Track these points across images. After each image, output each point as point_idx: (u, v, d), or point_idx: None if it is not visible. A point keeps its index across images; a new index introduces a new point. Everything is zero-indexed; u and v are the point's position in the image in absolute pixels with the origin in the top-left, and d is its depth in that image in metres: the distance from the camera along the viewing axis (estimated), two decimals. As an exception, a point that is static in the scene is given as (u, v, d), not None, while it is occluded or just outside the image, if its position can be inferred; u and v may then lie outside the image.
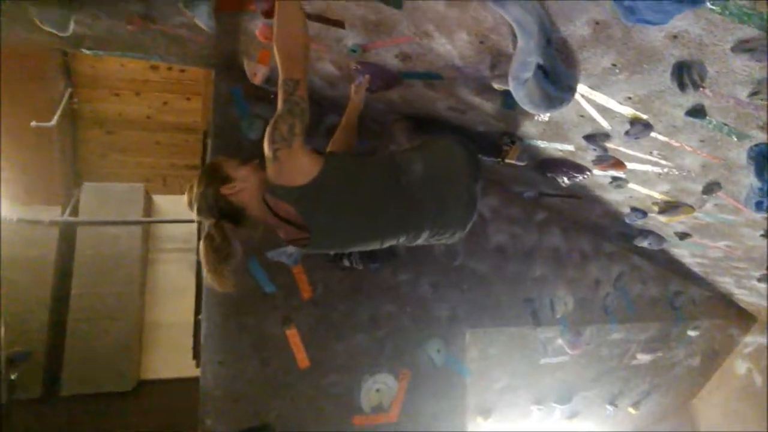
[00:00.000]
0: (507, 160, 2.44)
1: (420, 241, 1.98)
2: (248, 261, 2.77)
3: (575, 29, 1.55)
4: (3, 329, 4.70)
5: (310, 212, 1.69)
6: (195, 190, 1.73)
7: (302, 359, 2.90)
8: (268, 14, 1.98)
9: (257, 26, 2.13)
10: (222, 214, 1.71)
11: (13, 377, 4.59)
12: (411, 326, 3.09)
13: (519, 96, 1.73)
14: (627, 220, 2.90)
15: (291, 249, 2.79)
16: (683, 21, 1.38)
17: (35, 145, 4.48)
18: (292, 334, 2.88)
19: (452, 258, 3.16)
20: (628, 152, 2.19)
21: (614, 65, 1.66)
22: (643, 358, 4.07)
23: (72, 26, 2.21)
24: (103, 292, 5.52)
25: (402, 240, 1.91)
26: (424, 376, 3.11)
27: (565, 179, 2.54)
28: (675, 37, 1.45)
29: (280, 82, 1.62)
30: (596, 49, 1.61)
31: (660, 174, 2.30)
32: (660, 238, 3.07)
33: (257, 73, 2.54)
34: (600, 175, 2.51)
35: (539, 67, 1.63)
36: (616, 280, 3.64)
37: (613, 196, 2.77)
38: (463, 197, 1.96)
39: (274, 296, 2.84)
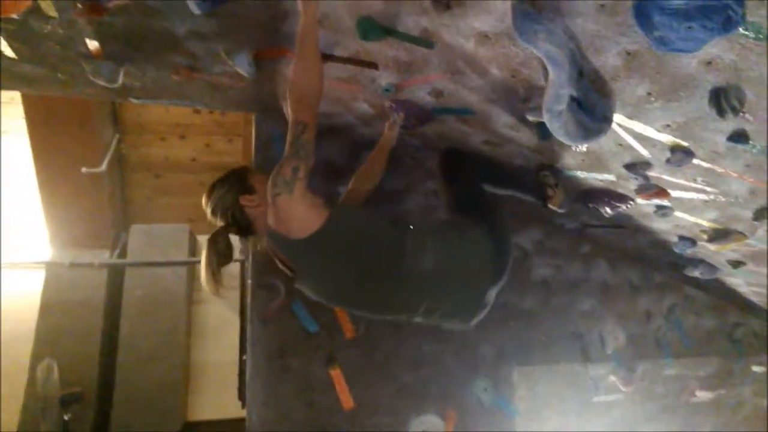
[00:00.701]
0: (550, 206, 2.41)
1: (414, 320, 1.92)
2: (292, 301, 2.79)
3: (607, 60, 1.55)
4: (56, 371, 4.85)
5: (302, 267, 1.70)
6: (216, 189, 1.77)
7: (347, 400, 2.87)
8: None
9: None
10: (233, 221, 1.72)
11: (66, 418, 4.72)
12: (456, 365, 3.03)
13: (554, 128, 1.72)
14: (675, 250, 2.80)
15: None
16: (716, 47, 1.36)
17: (85, 190, 4.68)
18: (336, 374, 2.87)
19: (497, 294, 3.11)
20: (671, 180, 2.14)
21: (649, 94, 1.63)
22: (704, 395, 3.86)
23: (121, 78, 2.34)
24: (151, 333, 5.64)
25: (391, 318, 1.90)
26: (472, 416, 3.02)
27: (608, 209, 2.49)
28: (709, 63, 1.42)
29: (289, 125, 1.65)
30: (630, 78, 1.59)
31: (706, 201, 2.22)
32: (712, 268, 2.94)
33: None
34: (644, 204, 2.45)
35: (573, 98, 1.63)
36: (669, 312, 3.50)
37: (660, 225, 2.69)
38: (472, 302, 1.88)
39: (317, 336, 2.84)
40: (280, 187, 1.58)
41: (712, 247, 2.55)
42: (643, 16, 1.31)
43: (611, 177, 2.30)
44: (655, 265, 3.37)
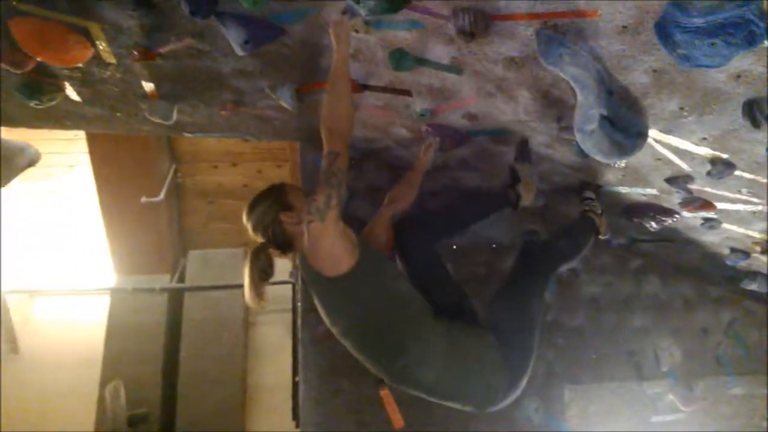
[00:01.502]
0: (600, 237, 2.39)
1: None
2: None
3: (635, 78, 1.56)
4: (123, 392, 5.09)
5: (319, 300, 1.73)
6: (256, 206, 1.77)
7: (397, 420, 2.89)
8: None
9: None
10: (273, 238, 1.72)
11: (133, 437, 4.91)
12: (505, 384, 3.01)
13: (587, 147, 1.73)
14: (728, 262, 2.71)
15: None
16: (743, 61, 1.36)
17: (146, 219, 4.92)
18: (386, 395, 2.90)
19: (544, 313, 3.08)
20: (715, 192, 2.10)
21: (681, 108, 1.63)
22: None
23: (175, 116, 2.51)
24: (210, 355, 5.82)
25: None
26: (523, 436, 2.99)
27: (653, 224, 2.45)
28: (738, 76, 1.42)
29: (323, 155, 1.67)
30: (660, 95, 1.60)
31: (754, 212, 2.17)
32: (771, 280, 2.83)
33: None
34: (690, 216, 2.40)
35: (604, 117, 1.64)
36: (728, 328, 3.36)
37: (709, 238, 2.62)
38: (480, 404, 1.82)
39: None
40: (314, 214, 1.60)
41: (765, 259, 2.47)
42: (665, 35, 1.33)
43: (654, 191, 2.28)
44: (710, 279, 3.26)
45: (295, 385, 3.63)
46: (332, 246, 1.63)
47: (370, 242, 1.91)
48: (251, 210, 1.79)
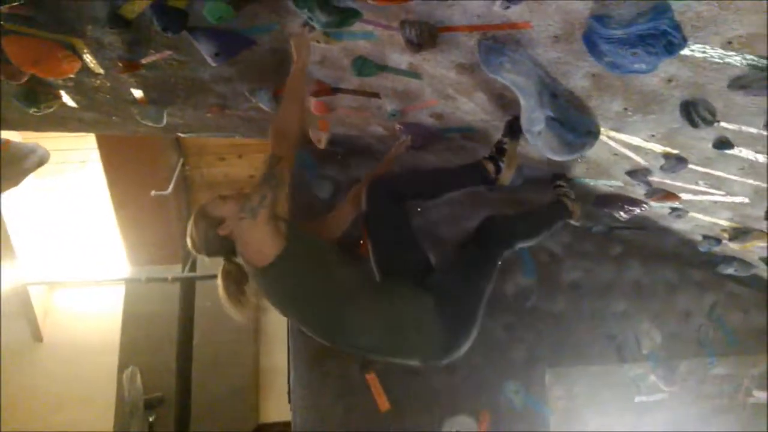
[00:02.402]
0: (571, 221, 2.41)
1: None
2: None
3: (576, 82, 1.65)
4: (139, 377, 5.32)
5: (263, 291, 1.76)
6: (195, 237, 1.77)
7: (383, 402, 3.04)
8: (317, 94, 2.26)
9: (311, 102, 2.40)
10: (227, 250, 1.75)
11: (151, 419, 5.15)
12: (487, 368, 3.12)
13: (538, 146, 1.82)
14: (701, 249, 2.78)
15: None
16: (671, 66, 1.44)
17: (156, 211, 5.08)
18: (372, 379, 3.04)
19: (524, 299, 3.18)
20: (675, 184, 2.18)
21: (625, 109, 1.72)
22: (762, 396, 3.73)
23: (165, 118, 2.65)
24: (222, 341, 6.01)
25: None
26: (505, 417, 3.11)
27: (622, 213, 2.53)
28: (669, 80, 1.50)
29: (267, 156, 1.73)
30: (602, 97, 1.69)
31: (716, 202, 2.24)
32: (747, 265, 2.89)
33: (321, 139, 2.83)
34: (658, 206, 2.48)
35: (552, 119, 1.73)
36: (710, 311, 3.43)
37: (680, 226, 2.69)
38: (423, 357, 1.90)
39: (354, 343, 3.03)
40: (246, 212, 1.64)
41: (733, 245, 2.54)
42: (592, 44, 1.42)
43: (619, 183, 2.36)
44: (692, 263, 3.32)
45: (290, 370, 3.78)
46: (260, 241, 1.66)
47: (323, 232, 2.01)
48: (194, 244, 1.80)
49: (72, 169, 5.56)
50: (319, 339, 1.83)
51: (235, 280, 1.77)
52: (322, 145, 2.87)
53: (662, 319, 3.36)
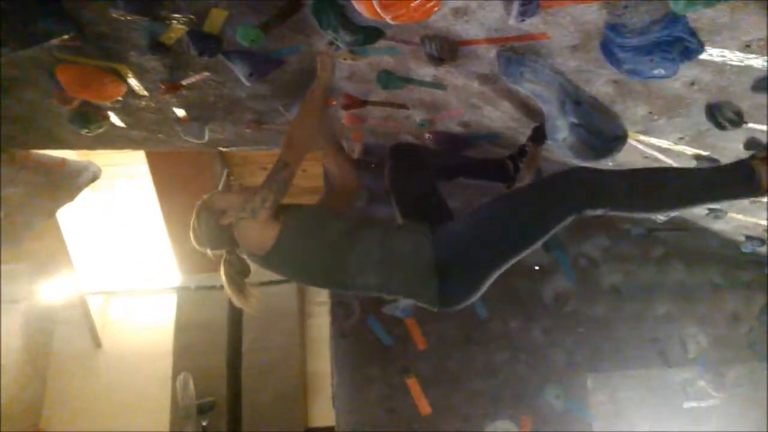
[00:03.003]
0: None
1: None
2: (366, 317, 3.07)
3: (599, 88, 1.66)
4: (191, 383, 5.51)
5: (273, 270, 1.81)
6: (198, 229, 1.84)
7: (424, 406, 3.08)
8: (347, 107, 2.33)
9: (343, 115, 2.47)
10: (229, 242, 1.80)
11: (204, 423, 5.31)
12: (527, 373, 3.13)
13: (564, 153, 1.84)
14: (744, 249, 2.70)
15: (403, 303, 3.03)
16: (691, 71, 1.43)
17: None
18: (412, 383, 3.09)
19: (563, 303, 3.17)
20: (709, 185, 2.13)
21: (650, 113, 1.71)
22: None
23: (207, 134, 2.78)
24: (269, 347, 6.17)
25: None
26: (546, 422, 3.10)
27: (659, 216, 2.49)
28: (692, 84, 1.50)
29: (275, 161, 1.78)
30: (626, 102, 1.69)
31: (754, 202, 2.18)
32: (796, 266, 2.80)
33: (354, 149, 2.90)
34: (695, 208, 2.43)
35: (577, 125, 1.74)
36: (761, 313, 3.31)
37: (721, 226, 2.63)
38: (425, 295, 1.78)
39: (393, 348, 3.09)
40: (247, 212, 1.71)
41: (778, 246, 2.47)
42: (609, 53, 1.43)
43: (653, 185, 2.32)
44: (739, 264, 3.22)
45: (332, 374, 3.87)
46: (259, 235, 1.72)
47: (336, 198, 2.14)
48: (194, 233, 1.87)
49: (123, 183, 5.82)
50: (331, 289, 1.88)
51: (237, 270, 1.83)
52: (355, 155, 2.95)
53: (709, 322, 3.27)
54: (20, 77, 2.25)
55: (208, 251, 1.88)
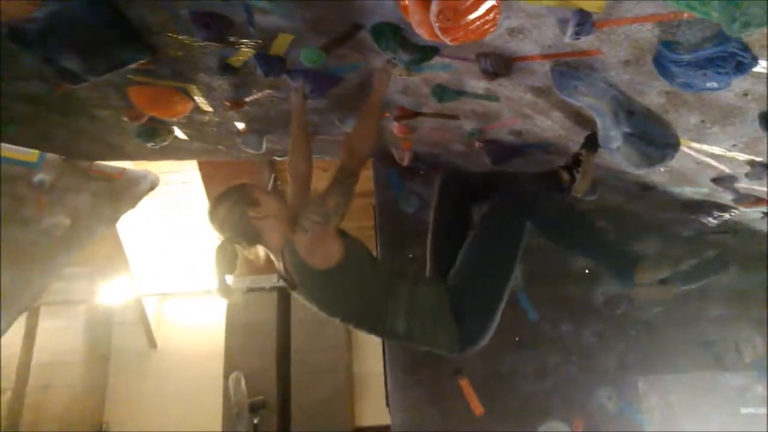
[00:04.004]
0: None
1: None
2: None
3: (651, 99, 1.70)
4: (243, 382, 5.70)
5: (307, 288, 1.83)
6: (220, 205, 1.84)
7: (476, 407, 3.15)
8: (399, 118, 2.43)
9: (394, 126, 2.57)
10: (242, 232, 1.81)
11: (255, 421, 5.49)
12: (579, 375, 3.16)
13: (616, 161, 1.88)
14: (800, 253, 2.68)
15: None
16: (744, 82, 1.46)
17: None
18: (465, 384, 3.17)
19: (614, 307, 3.18)
20: (762, 189, 2.14)
21: (703, 121, 1.74)
22: None
23: (265, 146, 2.91)
24: (317, 348, 6.33)
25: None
26: (599, 423, 3.12)
27: (711, 219, 2.50)
28: (745, 94, 1.52)
29: (338, 167, 1.84)
30: (679, 111, 1.72)
31: (808, 207, 2.18)
32: None
33: (404, 157, 2.99)
34: (749, 210, 2.43)
35: (630, 134, 1.79)
36: (818, 317, 3.24)
37: (775, 230, 2.61)
38: (444, 350, 1.94)
39: (444, 350, 3.17)
40: (321, 217, 1.72)
41: (836, 250, 2.43)
42: (662, 68, 1.48)
43: (705, 190, 2.34)
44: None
45: (386, 375, 3.98)
46: (329, 245, 1.77)
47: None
48: (214, 209, 1.86)
49: (175, 190, 6.06)
50: (358, 328, 1.95)
51: (227, 262, 1.81)
52: (405, 163, 3.04)
53: (765, 325, 3.22)
54: (95, 97, 2.42)
55: (217, 232, 1.86)
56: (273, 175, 5.64)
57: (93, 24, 1.70)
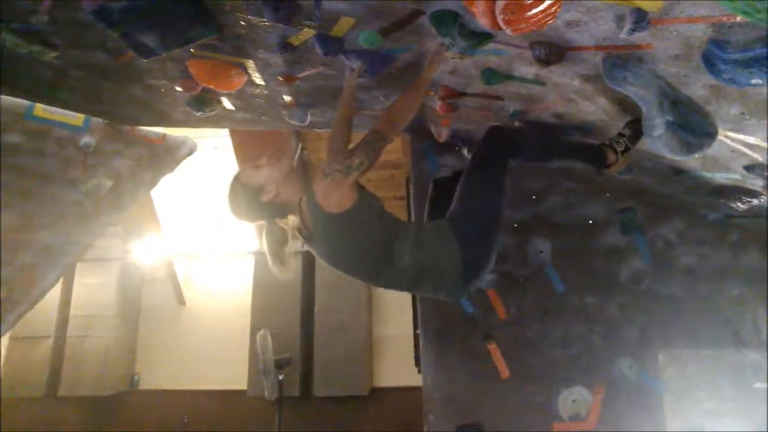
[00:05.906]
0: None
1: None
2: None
3: (695, 91, 1.79)
4: (270, 339, 5.93)
5: (320, 234, 1.92)
6: (234, 204, 1.97)
7: (503, 370, 3.33)
8: (445, 97, 2.53)
9: (437, 104, 2.67)
10: (270, 214, 1.95)
11: (280, 378, 5.73)
12: (601, 345, 3.31)
13: (656, 147, 1.98)
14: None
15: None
16: (788, 80, 1.55)
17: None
18: (493, 348, 3.34)
19: (639, 281, 3.31)
20: (794, 178, 2.23)
21: (742, 113, 1.83)
22: None
23: (309, 119, 3.03)
24: (339, 309, 6.58)
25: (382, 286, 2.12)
26: (619, 390, 3.27)
27: (740, 204, 2.60)
28: (787, 90, 1.61)
29: (373, 129, 1.95)
30: (720, 103, 1.81)
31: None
32: None
33: (442, 133, 3.10)
34: (778, 197, 2.52)
35: (673, 122, 1.89)
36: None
37: (802, 215, 2.70)
38: (447, 290, 2.06)
39: (475, 316, 3.35)
40: (343, 168, 1.84)
41: None
42: (710, 64, 1.57)
43: (737, 176, 2.43)
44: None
45: (416, 337, 4.18)
46: (345, 192, 1.88)
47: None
48: (235, 209, 2.00)
49: (207, 155, 6.22)
50: (365, 281, 2.11)
51: (278, 240, 1.97)
52: (442, 139, 3.15)
53: (783, 305, 3.34)
54: (154, 68, 2.54)
55: (254, 223, 2.03)
56: (300, 144, 5.77)
57: (171, 3, 1.82)
